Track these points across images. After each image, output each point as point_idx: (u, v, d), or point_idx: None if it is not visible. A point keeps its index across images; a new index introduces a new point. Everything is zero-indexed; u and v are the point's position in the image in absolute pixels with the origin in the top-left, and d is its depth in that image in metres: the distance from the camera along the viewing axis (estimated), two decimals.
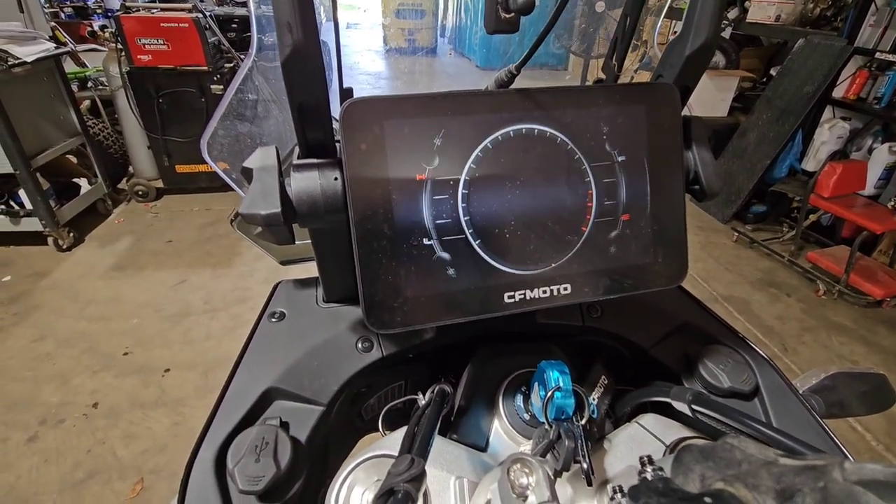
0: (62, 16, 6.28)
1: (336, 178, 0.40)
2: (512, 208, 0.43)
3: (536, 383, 0.44)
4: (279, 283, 0.58)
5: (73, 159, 3.30)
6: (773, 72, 3.93)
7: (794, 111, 3.37)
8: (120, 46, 3.09)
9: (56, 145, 2.95)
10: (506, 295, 0.44)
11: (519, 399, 0.49)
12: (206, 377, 2.15)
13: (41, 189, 2.77)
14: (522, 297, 0.44)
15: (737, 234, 3.49)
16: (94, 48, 4.51)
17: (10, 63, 2.53)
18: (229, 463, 0.40)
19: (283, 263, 0.62)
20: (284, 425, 0.45)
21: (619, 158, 0.45)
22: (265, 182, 0.38)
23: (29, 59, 2.61)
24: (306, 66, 0.35)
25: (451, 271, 0.43)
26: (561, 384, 0.40)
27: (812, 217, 3.30)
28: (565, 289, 0.45)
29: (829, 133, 3.29)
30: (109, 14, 6.32)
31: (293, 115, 0.38)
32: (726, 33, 4.11)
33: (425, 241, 0.42)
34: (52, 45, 2.85)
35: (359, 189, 0.40)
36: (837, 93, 3.32)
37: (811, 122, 3.42)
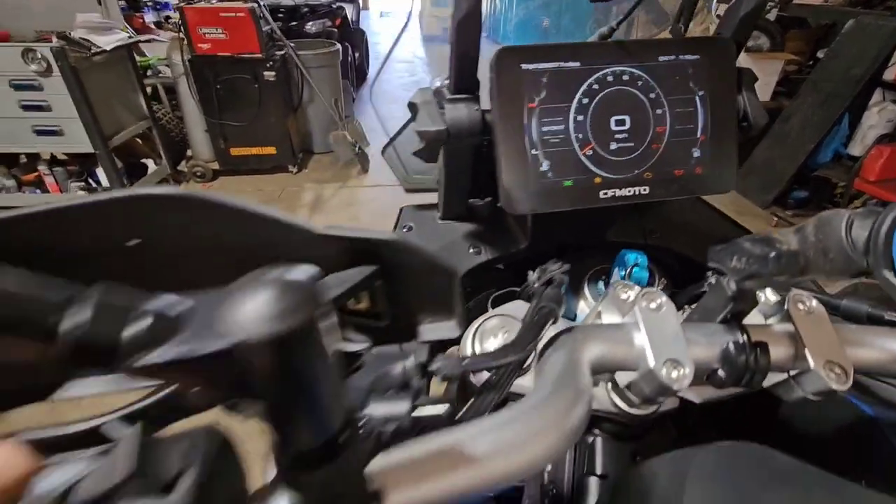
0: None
1: (477, 109, 0.53)
2: (609, 129, 0.56)
3: (616, 267, 0.57)
4: (403, 207, 0.72)
5: (140, 141, 3.58)
6: (819, 54, 3.85)
7: (841, 94, 3.30)
8: (182, 36, 3.32)
9: (128, 128, 3.21)
10: (601, 192, 0.57)
11: (601, 285, 0.63)
12: None
13: (116, 168, 3.04)
14: (613, 194, 0.57)
15: (777, 219, 3.47)
16: (152, 38, 4.81)
17: (91, 51, 2.78)
18: None
19: (408, 191, 0.77)
20: None
21: (688, 94, 0.58)
22: (430, 110, 0.52)
23: (108, 48, 2.85)
24: (472, 23, 0.48)
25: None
26: (639, 261, 0.53)
27: (856, 202, 3.25)
28: (645, 189, 0.58)
29: (878, 116, 3.22)
30: (159, 6, 6.66)
31: (453, 61, 0.51)
32: (771, 15, 4.03)
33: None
34: (126, 34, 3.09)
35: (503, 111, 0.53)
36: (888, 75, 3.23)
37: (859, 105, 3.35)
